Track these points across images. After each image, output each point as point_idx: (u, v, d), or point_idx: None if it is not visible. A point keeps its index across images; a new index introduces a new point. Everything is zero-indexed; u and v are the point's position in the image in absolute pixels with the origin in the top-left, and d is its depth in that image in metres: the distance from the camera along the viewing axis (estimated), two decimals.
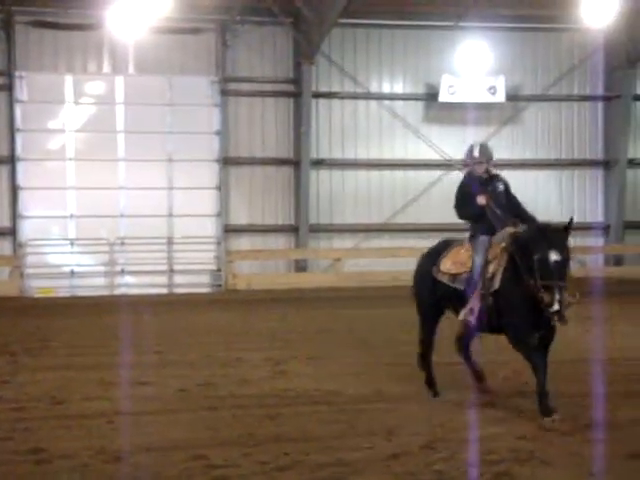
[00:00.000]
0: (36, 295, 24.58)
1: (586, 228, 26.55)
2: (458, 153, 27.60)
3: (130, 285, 25.69)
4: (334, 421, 8.42)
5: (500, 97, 27.24)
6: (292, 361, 12.03)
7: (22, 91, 25.15)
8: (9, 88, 24.92)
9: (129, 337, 14.88)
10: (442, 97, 27.13)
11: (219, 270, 26.19)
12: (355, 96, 27.36)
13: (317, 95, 26.74)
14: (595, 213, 28.63)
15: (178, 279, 26.11)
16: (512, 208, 9.13)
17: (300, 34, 25.99)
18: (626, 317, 16.66)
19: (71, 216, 25.49)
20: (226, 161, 26.34)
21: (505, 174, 9.73)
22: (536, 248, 8.13)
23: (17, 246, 25.12)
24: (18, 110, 25.15)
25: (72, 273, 25.40)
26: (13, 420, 8.62)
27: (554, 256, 8.00)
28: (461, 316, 8.96)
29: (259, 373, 11.19)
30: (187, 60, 25.97)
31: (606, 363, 10.70)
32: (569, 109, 28.83)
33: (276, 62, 26.70)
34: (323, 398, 9.54)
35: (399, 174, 27.73)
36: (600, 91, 28.81)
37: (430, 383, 9.60)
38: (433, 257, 9.48)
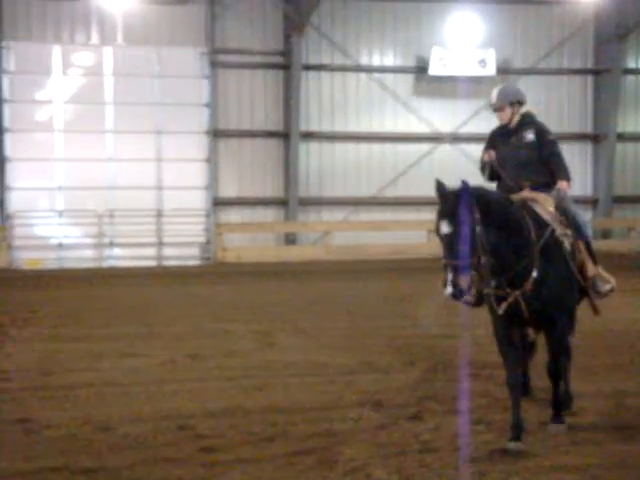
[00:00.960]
0: (24, 267, 24.53)
1: (575, 202, 26.56)
2: (448, 126, 27.76)
3: (119, 257, 25.66)
4: (322, 392, 8.45)
5: (490, 70, 27.15)
6: (280, 333, 12.06)
7: (9, 61, 24.95)
8: None
9: (117, 309, 14.91)
10: (432, 70, 27.05)
11: (208, 243, 26.16)
12: (345, 68, 27.26)
13: (307, 67, 26.62)
14: (584, 187, 28.67)
15: (167, 252, 26.08)
16: (540, 164, 7.50)
17: (290, 5, 25.85)
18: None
19: (59, 188, 25.37)
20: (215, 133, 26.24)
21: None
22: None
23: (5, 218, 25.02)
24: (5, 80, 24.97)
25: (60, 245, 25.34)
26: (0, 390, 8.61)
27: (443, 228, 6.35)
28: None
29: (247, 345, 11.21)
30: (176, 31, 25.79)
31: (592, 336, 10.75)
32: (559, 82, 28.80)
33: (266, 34, 26.55)
34: (311, 370, 9.57)
35: (389, 147, 27.67)
36: (590, 64, 28.83)
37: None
38: None
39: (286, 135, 26.51)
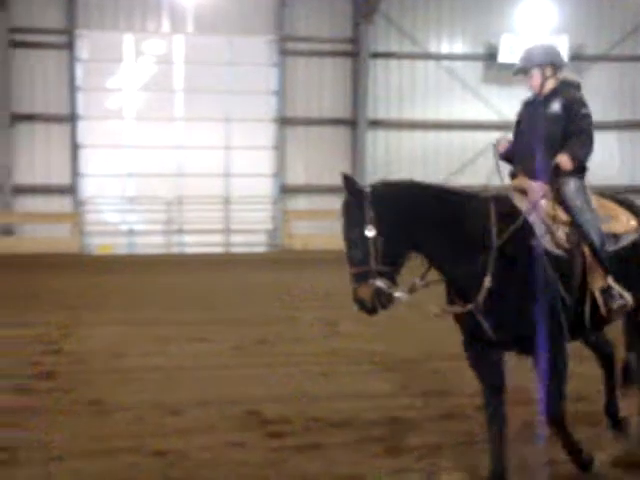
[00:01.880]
0: (95, 252, 24.98)
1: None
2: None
3: (187, 244, 25.96)
4: (387, 380, 8.46)
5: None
6: (345, 321, 12.06)
7: (82, 50, 25.37)
8: (70, 47, 25.13)
9: (185, 295, 15.10)
10: (502, 57, 26.71)
11: (275, 230, 26.30)
12: (413, 56, 27.10)
13: (375, 55, 26.55)
14: None
15: (235, 238, 26.31)
16: (562, 144, 5.79)
17: None
18: None
19: (130, 175, 25.75)
20: (283, 121, 26.33)
21: None
22: None
23: (77, 204, 25.49)
24: (79, 68, 25.39)
25: (130, 231, 25.73)
26: (74, 372, 8.81)
27: (345, 233, 5.51)
28: None
29: (313, 332, 11.26)
30: (245, 19, 25.91)
31: None
32: (633, 69, 28.20)
33: (334, 21, 26.52)
34: (376, 358, 9.57)
35: (456, 135, 27.47)
36: None
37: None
38: None
39: (354, 123, 26.49)
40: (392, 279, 5.28)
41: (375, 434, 6.62)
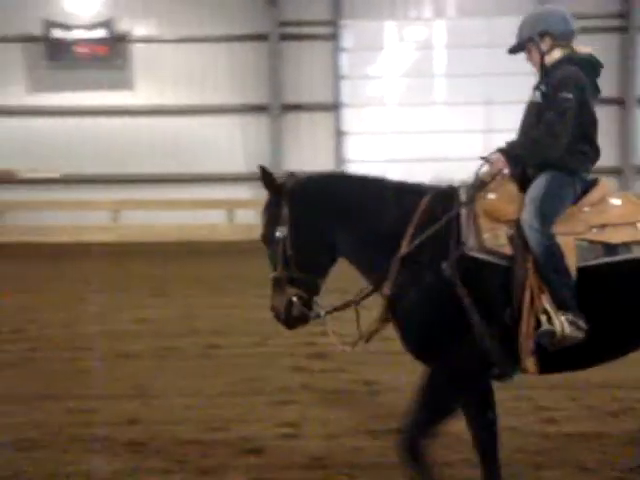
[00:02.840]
0: None
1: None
2: None
3: None
4: None
5: None
6: None
7: (347, 39, 26.07)
8: (335, 37, 25.91)
9: None
10: None
11: None
12: None
13: None
14: None
15: None
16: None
17: None
18: None
19: (391, 160, 26.17)
20: None
21: None
22: None
23: None
24: (343, 58, 26.11)
25: None
26: (345, 354, 9.10)
27: (261, 232, 4.80)
28: None
29: None
30: (504, 0, 25.49)
31: None
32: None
33: None
34: None
35: None
36: None
37: None
38: None
39: (622, 102, 25.34)
40: (312, 289, 4.61)
41: None
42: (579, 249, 4.39)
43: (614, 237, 4.44)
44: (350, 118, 26.25)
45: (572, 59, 4.76)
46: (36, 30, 25.08)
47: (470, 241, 4.36)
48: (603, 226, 4.47)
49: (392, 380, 7.84)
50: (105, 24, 25.29)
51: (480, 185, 4.59)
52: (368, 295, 4.70)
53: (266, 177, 4.62)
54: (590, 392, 7.29)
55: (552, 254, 4.32)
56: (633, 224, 4.49)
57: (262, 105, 25.76)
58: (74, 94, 25.29)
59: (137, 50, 25.75)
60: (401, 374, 8.04)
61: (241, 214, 23.63)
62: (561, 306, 4.27)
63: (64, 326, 10.91)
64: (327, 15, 25.80)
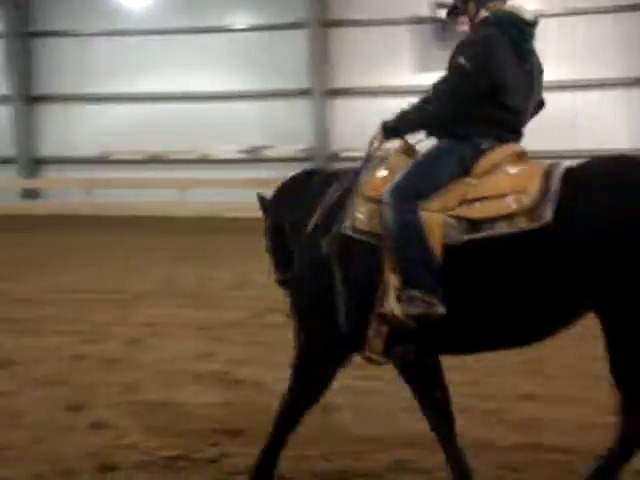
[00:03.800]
0: None
1: None
2: None
3: None
4: None
5: None
6: None
7: None
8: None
9: None
10: None
11: None
12: None
13: None
14: None
15: None
16: None
17: None
18: None
19: None
20: None
21: None
22: None
23: None
24: None
25: None
26: None
27: None
28: None
29: None
30: None
31: None
32: None
33: None
34: None
35: None
36: None
37: None
38: None
39: None
40: None
41: None
42: (446, 226, 4.02)
43: (475, 212, 4.01)
44: None
45: (488, 20, 4.30)
46: (424, 12, 24.93)
47: (347, 220, 4.23)
48: (474, 200, 4.05)
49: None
50: None
51: (365, 162, 4.39)
52: None
53: (260, 201, 4.99)
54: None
55: (405, 230, 4.03)
56: (503, 197, 3.99)
57: None
58: None
59: None
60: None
61: None
62: (407, 283, 4.01)
63: None
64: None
